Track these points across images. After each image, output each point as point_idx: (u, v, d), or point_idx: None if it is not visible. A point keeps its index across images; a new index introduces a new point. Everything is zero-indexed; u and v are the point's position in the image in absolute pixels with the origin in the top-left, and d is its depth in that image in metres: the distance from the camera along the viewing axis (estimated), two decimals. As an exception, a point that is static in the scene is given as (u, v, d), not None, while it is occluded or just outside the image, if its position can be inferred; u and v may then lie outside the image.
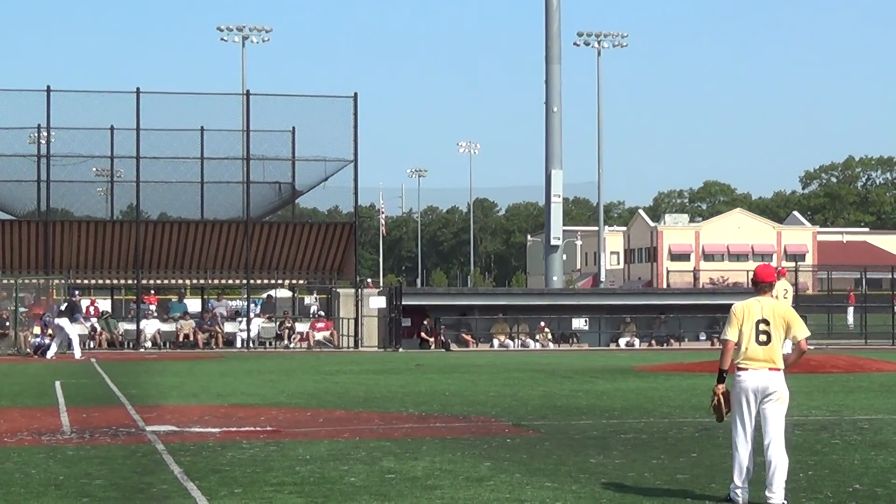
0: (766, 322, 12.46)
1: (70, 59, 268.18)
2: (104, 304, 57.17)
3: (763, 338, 12.40)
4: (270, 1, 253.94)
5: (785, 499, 12.17)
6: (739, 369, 12.45)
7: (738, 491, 12.36)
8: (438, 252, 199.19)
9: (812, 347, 48.04)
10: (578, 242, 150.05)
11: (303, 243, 52.37)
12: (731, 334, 12.54)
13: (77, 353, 41.61)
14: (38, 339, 43.61)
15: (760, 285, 12.65)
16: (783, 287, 36.99)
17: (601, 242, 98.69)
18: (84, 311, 51.51)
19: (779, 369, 12.41)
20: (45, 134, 49.82)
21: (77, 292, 46.52)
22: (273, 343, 50.75)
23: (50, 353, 41.56)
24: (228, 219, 52.60)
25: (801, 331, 12.54)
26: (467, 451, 16.16)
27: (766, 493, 12.17)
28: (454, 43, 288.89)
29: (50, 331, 42.65)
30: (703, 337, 52.21)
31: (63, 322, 41.84)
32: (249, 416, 21.08)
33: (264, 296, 60.95)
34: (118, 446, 16.92)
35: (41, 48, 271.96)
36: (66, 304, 42.60)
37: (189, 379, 31.12)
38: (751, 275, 13.09)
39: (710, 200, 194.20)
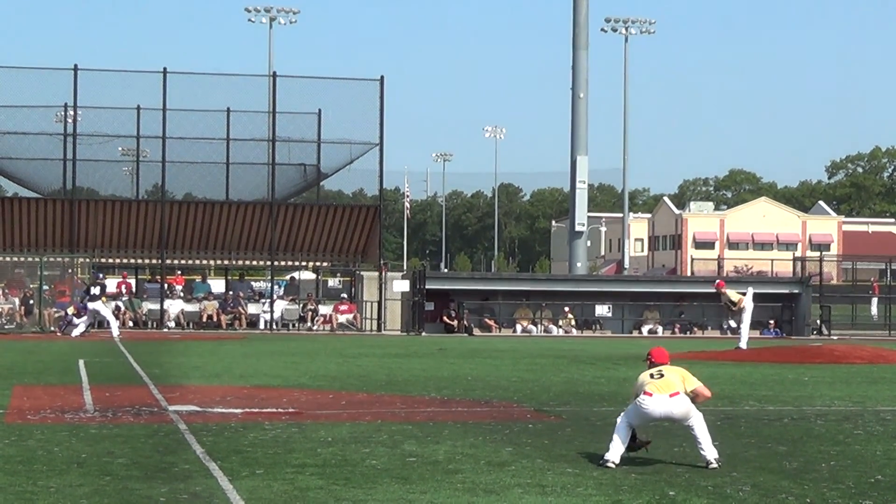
0: (661, 372, 13.80)
1: (97, 38, 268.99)
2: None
3: (657, 375, 13.74)
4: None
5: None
6: (645, 394, 13.68)
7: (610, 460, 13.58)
8: (462, 236, 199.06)
9: (836, 338, 48.03)
10: (603, 229, 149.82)
11: (327, 226, 52.43)
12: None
13: (115, 331, 41.78)
14: (65, 314, 43.74)
15: (655, 365, 14.08)
16: (731, 298, 37.08)
17: (625, 229, 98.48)
18: (114, 288, 51.75)
19: (678, 393, 13.63)
20: (72, 113, 49.95)
21: (101, 274, 46.62)
22: (296, 325, 50.85)
23: (76, 332, 41.76)
24: (253, 200, 52.68)
25: (692, 382, 13.79)
26: (489, 435, 16.18)
27: (702, 454, 13.66)
28: (481, 27, 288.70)
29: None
30: (725, 325, 52.09)
31: (97, 305, 42.09)
32: (272, 397, 21.15)
33: (288, 277, 60.98)
34: (141, 425, 16.99)
35: (68, 27, 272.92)
36: (98, 288, 42.76)
37: (212, 359, 31.22)
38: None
39: (735, 189, 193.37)
